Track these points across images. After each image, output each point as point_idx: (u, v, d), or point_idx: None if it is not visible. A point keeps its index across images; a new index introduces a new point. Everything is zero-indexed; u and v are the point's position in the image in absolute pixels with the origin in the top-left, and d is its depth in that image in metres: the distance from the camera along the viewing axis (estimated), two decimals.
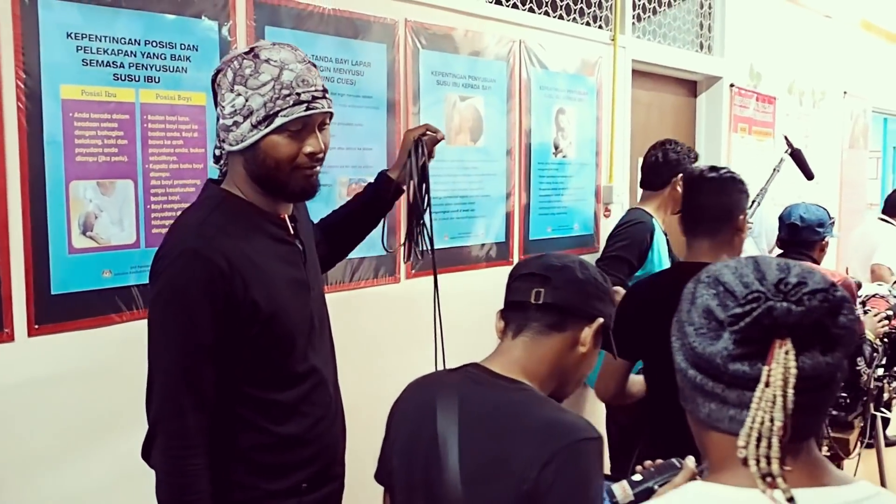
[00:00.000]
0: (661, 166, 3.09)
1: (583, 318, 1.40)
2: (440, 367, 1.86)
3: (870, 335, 2.93)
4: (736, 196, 2.09)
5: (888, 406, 3.20)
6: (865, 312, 3.06)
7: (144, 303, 2.08)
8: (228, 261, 1.45)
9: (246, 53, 1.51)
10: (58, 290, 1.93)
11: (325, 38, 2.48)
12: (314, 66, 1.56)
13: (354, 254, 2.51)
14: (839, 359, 0.86)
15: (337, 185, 2.54)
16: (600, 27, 3.67)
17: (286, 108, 1.47)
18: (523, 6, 3.27)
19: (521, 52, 3.19)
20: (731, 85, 4.68)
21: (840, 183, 6.27)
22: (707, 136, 4.66)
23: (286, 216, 1.62)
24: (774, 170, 3.42)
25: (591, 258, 3.64)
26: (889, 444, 3.82)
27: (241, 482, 1.54)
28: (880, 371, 3.10)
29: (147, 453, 1.51)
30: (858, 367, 2.86)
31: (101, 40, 1.97)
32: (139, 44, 2.04)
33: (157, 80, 2.08)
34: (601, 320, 1.41)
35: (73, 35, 1.92)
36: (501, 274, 3.17)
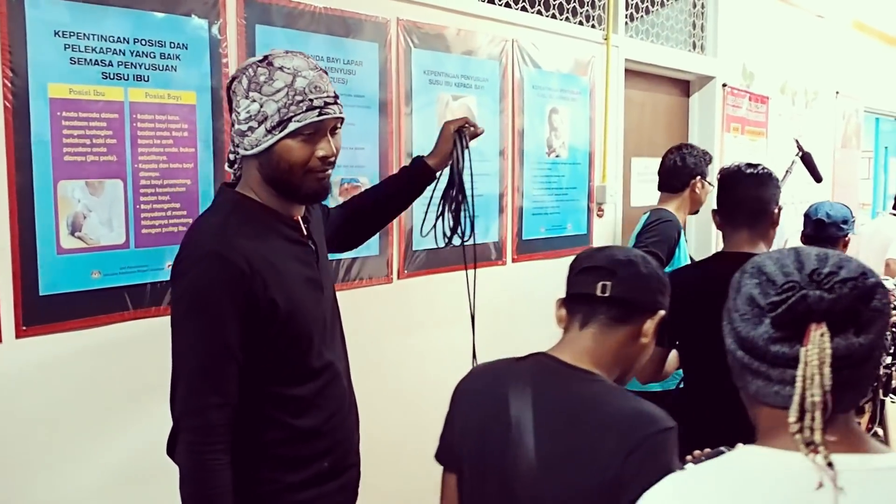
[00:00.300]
0: (680, 169, 3.21)
1: (646, 311, 1.46)
2: (475, 359, 1.95)
3: None
4: (773, 190, 2.22)
5: None
6: None
7: (134, 304, 2.06)
8: (248, 262, 1.50)
9: (260, 61, 1.56)
10: (46, 291, 1.91)
11: (317, 36, 2.46)
12: (325, 72, 1.61)
13: (347, 254, 2.51)
14: (872, 339, 0.94)
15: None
16: (593, 26, 3.66)
17: (299, 114, 1.52)
18: (516, 5, 3.26)
19: (513, 51, 3.18)
20: (724, 85, 4.68)
21: (832, 183, 6.28)
22: (700, 135, 4.65)
23: (299, 217, 1.67)
24: (787, 171, 3.48)
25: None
26: None
27: (262, 476, 1.59)
28: (888, 359, 3.25)
29: (171, 449, 1.55)
30: None
31: (89, 38, 1.95)
32: (128, 42, 2.02)
33: (146, 78, 2.06)
34: (662, 313, 1.48)
35: (60, 33, 1.90)
36: (495, 274, 3.17)
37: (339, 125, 1.61)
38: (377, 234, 2.66)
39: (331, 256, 1.87)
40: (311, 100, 1.53)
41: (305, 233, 1.68)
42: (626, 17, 3.91)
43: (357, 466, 1.79)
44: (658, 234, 3.02)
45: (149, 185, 2.08)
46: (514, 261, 3.24)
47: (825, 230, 3.25)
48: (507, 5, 3.21)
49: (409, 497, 2.74)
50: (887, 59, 7.63)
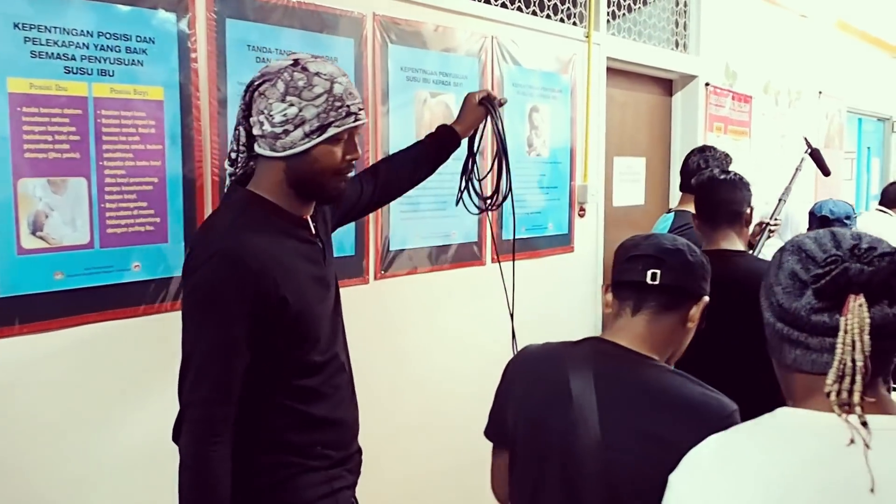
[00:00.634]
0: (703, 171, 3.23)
1: (692, 298, 1.54)
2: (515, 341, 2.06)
3: None
4: (745, 193, 2.44)
5: None
6: None
7: (99, 306, 2.00)
8: (259, 261, 1.55)
9: (292, 66, 1.61)
10: (5, 293, 1.84)
11: (290, 31, 2.40)
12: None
13: None
14: None
15: None
16: (574, 24, 3.62)
17: (339, 120, 1.61)
18: (496, 1, 3.21)
19: (493, 48, 3.13)
20: (707, 84, 4.65)
21: (815, 183, 6.27)
22: (683, 135, 4.63)
23: (308, 217, 1.73)
24: (797, 169, 3.55)
25: (566, 258, 3.59)
26: None
27: (276, 461, 1.66)
28: None
29: (177, 435, 1.59)
30: None
31: (51, 31, 1.89)
32: (92, 35, 1.96)
33: (111, 73, 1.99)
34: (706, 299, 1.56)
35: (20, 25, 1.84)
36: (473, 275, 3.12)
37: (360, 129, 1.71)
38: (354, 235, 2.63)
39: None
40: (348, 106, 1.62)
41: (314, 232, 1.74)
42: (608, 15, 3.87)
43: (360, 452, 1.86)
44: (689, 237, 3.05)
45: (114, 183, 2.01)
46: (493, 261, 3.19)
47: (829, 226, 3.27)
48: (487, 1, 3.16)
49: (387, 499, 2.69)
50: (870, 59, 7.64)
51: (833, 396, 0.99)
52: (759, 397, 1.32)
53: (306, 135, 1.60)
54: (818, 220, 3.63)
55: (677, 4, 4.49)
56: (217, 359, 1.55)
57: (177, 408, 1.59)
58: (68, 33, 1.92)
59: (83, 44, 1.94)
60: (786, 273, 1.08)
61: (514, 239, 2.42)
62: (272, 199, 1.66)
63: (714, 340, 1.78)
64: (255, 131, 1.64)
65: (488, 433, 1.62)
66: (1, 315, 1.84)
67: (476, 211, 2.31)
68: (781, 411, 1.08)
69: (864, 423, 0.97)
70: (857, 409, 0.98)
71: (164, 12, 2.09)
